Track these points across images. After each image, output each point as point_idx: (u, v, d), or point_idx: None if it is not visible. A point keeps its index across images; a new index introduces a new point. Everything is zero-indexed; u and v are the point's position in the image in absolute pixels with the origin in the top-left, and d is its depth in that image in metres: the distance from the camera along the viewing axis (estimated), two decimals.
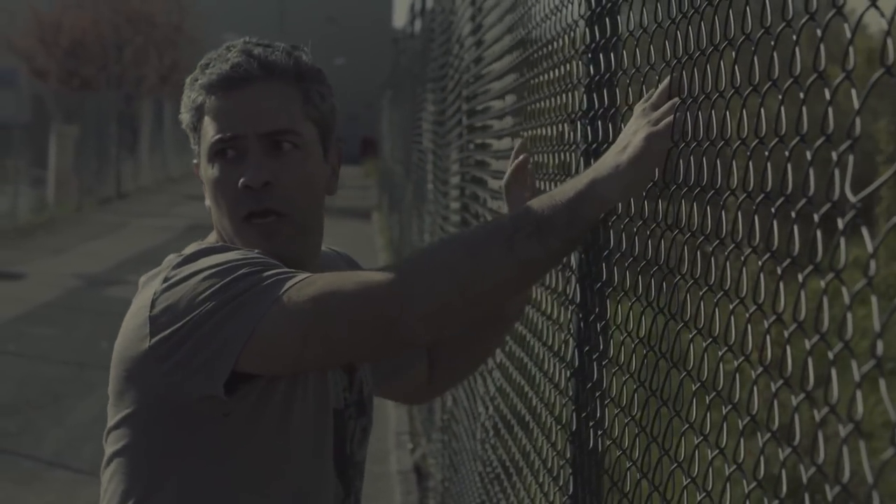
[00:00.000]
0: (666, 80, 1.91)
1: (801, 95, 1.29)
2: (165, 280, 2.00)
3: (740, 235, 1.51)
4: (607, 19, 2.16)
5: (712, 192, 1.60)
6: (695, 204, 1.67)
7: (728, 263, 1.54)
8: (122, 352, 2.04)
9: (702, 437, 1.62)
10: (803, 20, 1.27)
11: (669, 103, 1.87)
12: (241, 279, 1.93)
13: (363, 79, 70.26)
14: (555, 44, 2.62)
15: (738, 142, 1.50)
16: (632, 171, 1.86)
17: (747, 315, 1.44)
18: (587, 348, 2.25)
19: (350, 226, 23.53)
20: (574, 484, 2.33)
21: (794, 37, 1.30)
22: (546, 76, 2.70)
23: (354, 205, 29.57)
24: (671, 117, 1.84)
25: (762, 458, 1.36)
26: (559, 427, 2.49)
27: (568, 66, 2.44)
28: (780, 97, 1.33)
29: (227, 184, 2.07)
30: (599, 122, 2.18)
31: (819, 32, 1.24)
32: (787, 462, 1.29)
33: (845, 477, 1.10)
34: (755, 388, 1.41)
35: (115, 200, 29.47)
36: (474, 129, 4.79)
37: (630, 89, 2.02)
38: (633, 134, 1.90)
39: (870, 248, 1.07)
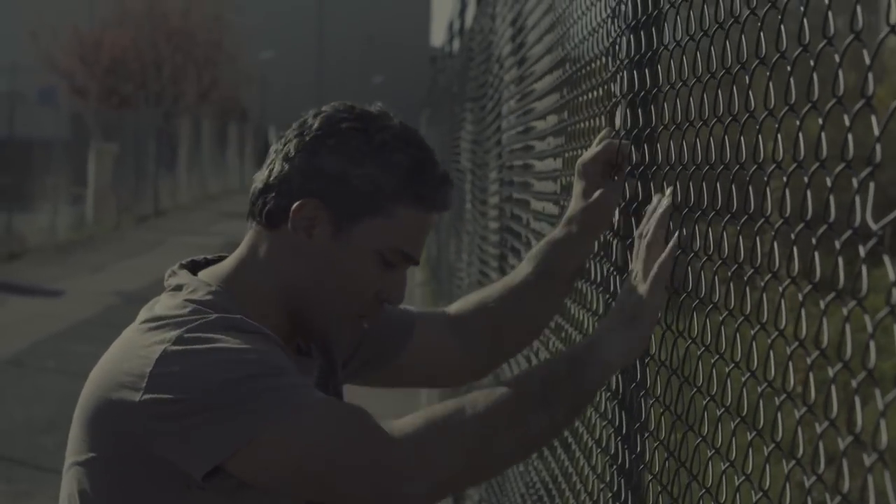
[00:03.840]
0: (656, 231, 1.96)
1: (820, 120, 1.27)
2: (180, 341, 1.86)
3: (759, 261, 1.50)
4: (642, 33, 2.16)
5: (745, 217, 1.60)
6: (725, 230, 1.66)
7: (748, 289, 1.54)
8: (107, 391, 1.91)
9: (728, 463, 1.62)
10: (848, 39, 1.25)
11: (667, 257, 1.92)
12: (256, 381, 1.83)
13: (401, 97, 70.32)
14: (594, 63, 2.61)
15: (773, 165, 1.49)
16: (631, 332, 1.92)
17: (769, 341, 1.44)
18: (622, 375, 2.24)
19: None
20: None
21: (836, 55, 1.28)
22: (587, 97, 2.70)
23: None
24: (666, 275, 1.91)
25: (787, 486, 1.35)
26: (599, 450, 2.48)
27: (608, 86, 2.44)
28: (820, 120, 1.31)
29: (369, 283, 1.99)
30: (643, 143, 2.18)
31: (865, 53, 1.22)
32: (812, 490, 1.28)
33: None
34: (779, 415, 1.41)
35: (153, 218, 29.62)
36: (514, 149, 4.79)
37: (665, 105, 2.02)
38: (629, 293, 1.96)
39: (892, 276, 1.06)
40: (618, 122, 2.28)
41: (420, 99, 32.60)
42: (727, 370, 1.64)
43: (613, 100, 2.31)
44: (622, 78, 2.26)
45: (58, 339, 12.56)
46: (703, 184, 1.77)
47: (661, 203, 2.00)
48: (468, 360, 2.38)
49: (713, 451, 1.68)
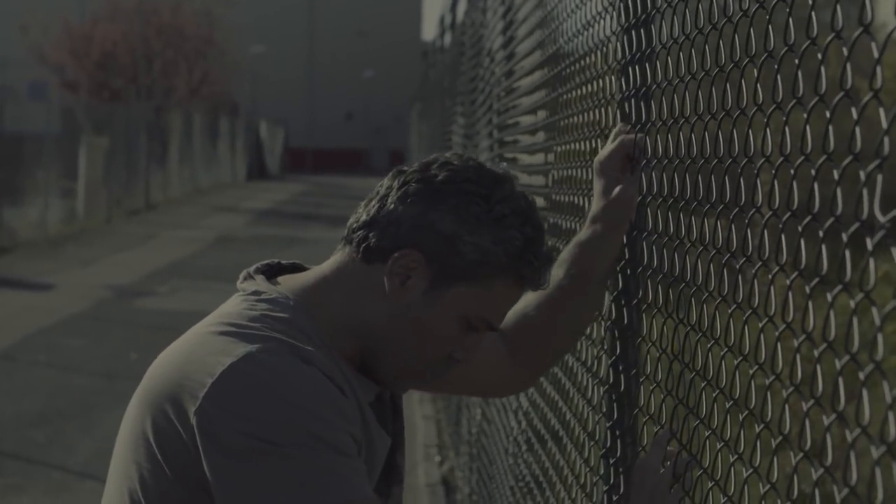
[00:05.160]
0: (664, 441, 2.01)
1: (828, 113, 1.28)
2: (248, 359, 1.81)
3: (767, 253, 1.50)
4: (642, 30, 2.16)
5: (737, 209, 1.60)
6: (719, 221, 1.67)
7: (756, 280, 1.54)
8: (169, 386, 1.87)
9: (736, 456, 1.61)
10: (829, 37, 1.26)
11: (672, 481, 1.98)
12: (312, 448, 1.76)
13: (392, 91, 70.39)
14: (588, 59, 2.61)
15: (763, 159, 1.49)
16: None
17: (777, 333, 1.44)
18: (622, 366, 2.24)
19: None
20: (609, 500, 2.32)
21: (819, 54, 1.29)
22: (579, 91, 2.70)
23: None
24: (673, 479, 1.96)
25: (795, 478, 1.35)
26: (592, 443, 2.48)
27: (601, 81, 2.44)
28: (805, 115, 1.32)
29: (446, 343, 1.95)
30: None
31: (845, 50, 1.23)
32: (819, 482, 1.28)
33: (878, 499, 1.10)
34: (786, 406, 1.41)
35: (144, 212, 29.57)
36: (505, 143, 4.79)
37: (664, 100, 2.02)
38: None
39: None
40: (633, 116, 2.28)
41: (411, 93, 32.60)
42: (718, 354, 1.64)
43: (622, 94, 2.31)
44: (628, 73, 2.26)
45: (49, 333, 12.54)
46: (699, 176, 1.78)
47: (661, 434, 2.02)
48: (516, 370, 2.36)
49: (722, 444, 1.68)
